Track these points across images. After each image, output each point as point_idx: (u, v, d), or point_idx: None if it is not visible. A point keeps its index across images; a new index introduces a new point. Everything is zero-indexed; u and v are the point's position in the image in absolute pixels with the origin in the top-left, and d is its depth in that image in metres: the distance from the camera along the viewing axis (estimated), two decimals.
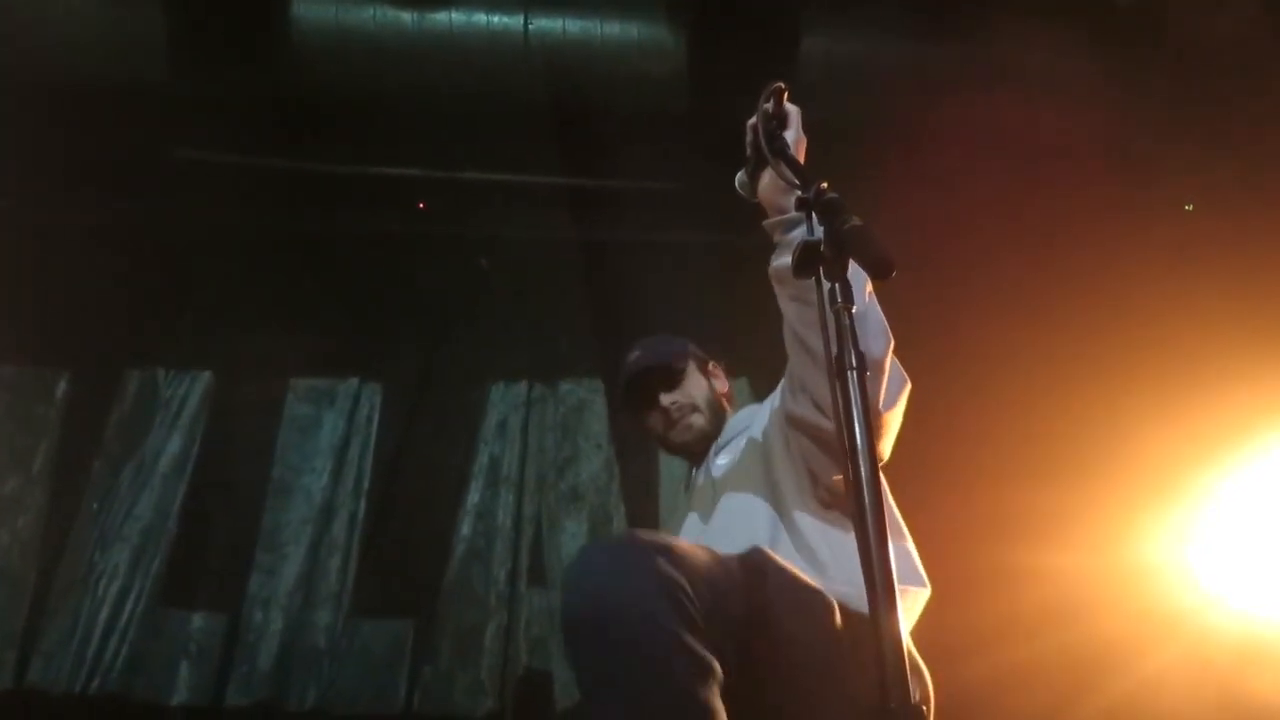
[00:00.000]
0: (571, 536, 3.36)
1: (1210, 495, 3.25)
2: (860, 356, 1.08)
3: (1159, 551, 3.25)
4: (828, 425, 1.56)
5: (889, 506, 1.71)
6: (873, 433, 1.05)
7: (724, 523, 1.75)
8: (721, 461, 1.91)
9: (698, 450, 2.03)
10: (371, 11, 2.99)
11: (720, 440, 2.00)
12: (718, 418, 2.04)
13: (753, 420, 1.92)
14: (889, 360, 1.53)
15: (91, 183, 3.32)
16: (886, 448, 1.61)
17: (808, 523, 1.65)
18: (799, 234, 1.49)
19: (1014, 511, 3.03)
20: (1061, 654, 2.98)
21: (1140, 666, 3.08)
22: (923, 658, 1.59)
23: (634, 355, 2.09)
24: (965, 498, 2.95)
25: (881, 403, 1.53)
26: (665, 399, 2.01)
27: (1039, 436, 3.19)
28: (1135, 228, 3.40)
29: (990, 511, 3.03)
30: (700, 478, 1.99)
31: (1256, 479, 3.22)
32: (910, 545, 1.70)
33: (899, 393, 1.57)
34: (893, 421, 1.58)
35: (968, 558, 2.95)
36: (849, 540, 1.60)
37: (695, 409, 2.02)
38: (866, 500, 1.00)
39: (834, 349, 1.11)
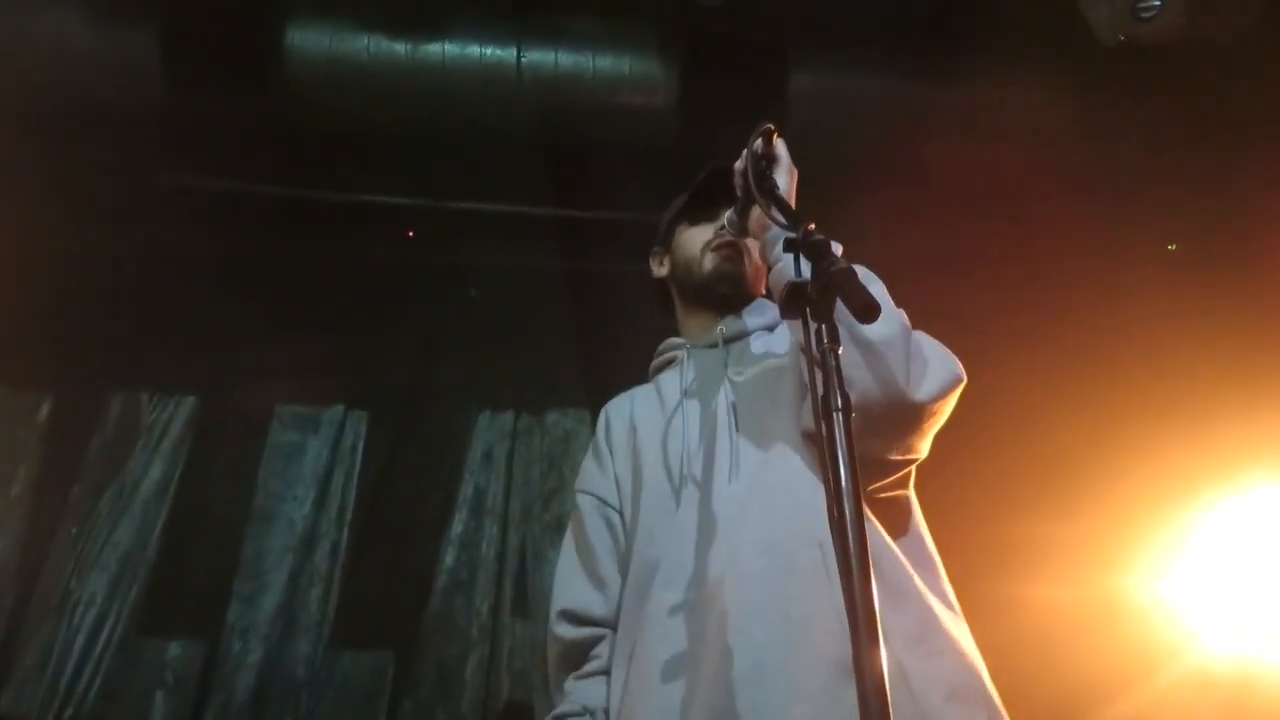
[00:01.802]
0: (555, 568, 3.33)
1: (1194, 531, 3.26)
2: (846, 398, 1.07)
3: (1144, 586, 3.26)
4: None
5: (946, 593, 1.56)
6: (858, 475, 1.04)
7: (763, 495, 1.50)
8: (753, 357, 1.69)
9: (723, 295, 1.78)
10: (365, 41, 3.01)
11: (733, 325, 1.78)
12: (750, 292, 1.80)
13: (785, 338, 1.67)
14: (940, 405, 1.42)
15: (79, 206, 3.31)
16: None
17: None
18: (783, 254, 1.46)
19: (999, 544, 3.03)
20: (1048, 688, 2.97)
21: (1125, 701, 3.08)
22: None
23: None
24: (951, 530, 2.94)
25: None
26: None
27: (1023, 470, 3.20)
28: (1119, 267, 3.43)
29: (976, 544, 3.01)
30: (709, 356, 1.76)
31: (1240, 516, 3.24)
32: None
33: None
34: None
35: (956, 590, 2.95)
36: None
37: (748, 255, 1.77)
38: (852, 543, 1.00)
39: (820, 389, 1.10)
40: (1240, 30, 2.98)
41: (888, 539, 1.47)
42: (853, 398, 1.21)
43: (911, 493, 1.63)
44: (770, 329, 1.75)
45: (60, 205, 3.31)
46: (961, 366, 1.45)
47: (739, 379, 1.67)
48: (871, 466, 1.42)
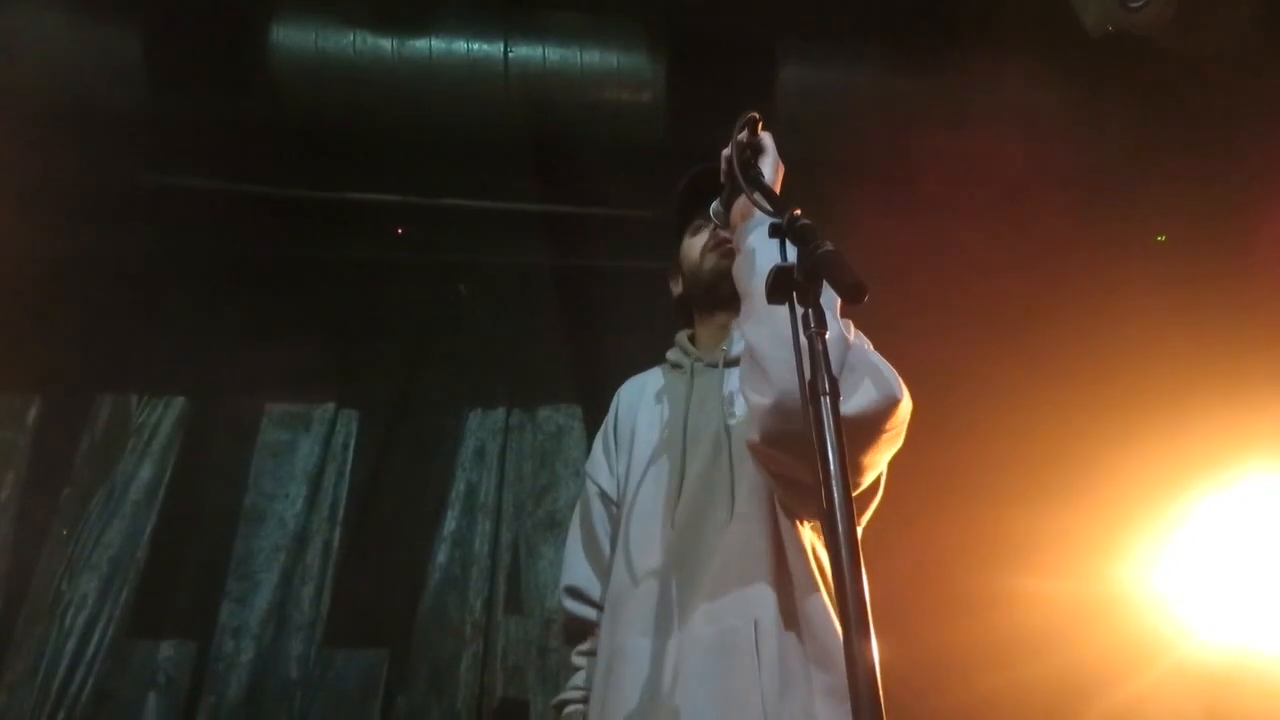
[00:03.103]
0: (549, 564, 3.33)
1: (1187, 522, 3.27)
2: (834, 382, 1.07)
3: (1138, 578, 3.26)
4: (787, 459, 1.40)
5: None
6: (848, 466, 1.03)
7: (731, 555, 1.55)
8: (742, 403, 1.63)
9: (728, 293, 1.69)
10: (351, 37, 3.00)
11: (735, 346, 1.74)
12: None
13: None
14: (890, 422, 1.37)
15: (65, 206, 3.29)
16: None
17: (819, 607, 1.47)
18: (758, 235, 1.47)
19: (990, 537, 3.04)
20: (1041, 680, 2.98)
21: (1120, 692, 3.09)
22: (905, 683, 1.55)
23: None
24: (943, 523, 2.96)
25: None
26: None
27: (1015, 463, 3.20)
28: (1108, 259, 3.43)
29: (967, 537, 3.04)
30: (711, 378, 1.75)
31: (1231, 507, 3.25)
32: None
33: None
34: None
35: (947, 583, 2.97)
36: None
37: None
38: (842, 530, 0.99)
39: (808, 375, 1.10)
40: (1234, 27, 2.99)
41: (825, 595, 1.49)
42: (771, 400, 1.31)
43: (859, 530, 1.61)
44: None
45: (46, 205, 3.29)
46: (901, 387, 1.38)
47: (732, 422, 1.66)
48: (806, 491, 1.37)
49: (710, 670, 1.46)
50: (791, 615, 1.47)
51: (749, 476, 1.56)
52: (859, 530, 1.58)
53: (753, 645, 1.44)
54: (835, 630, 1.45)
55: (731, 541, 1.55)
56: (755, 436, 1.40)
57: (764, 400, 1.36)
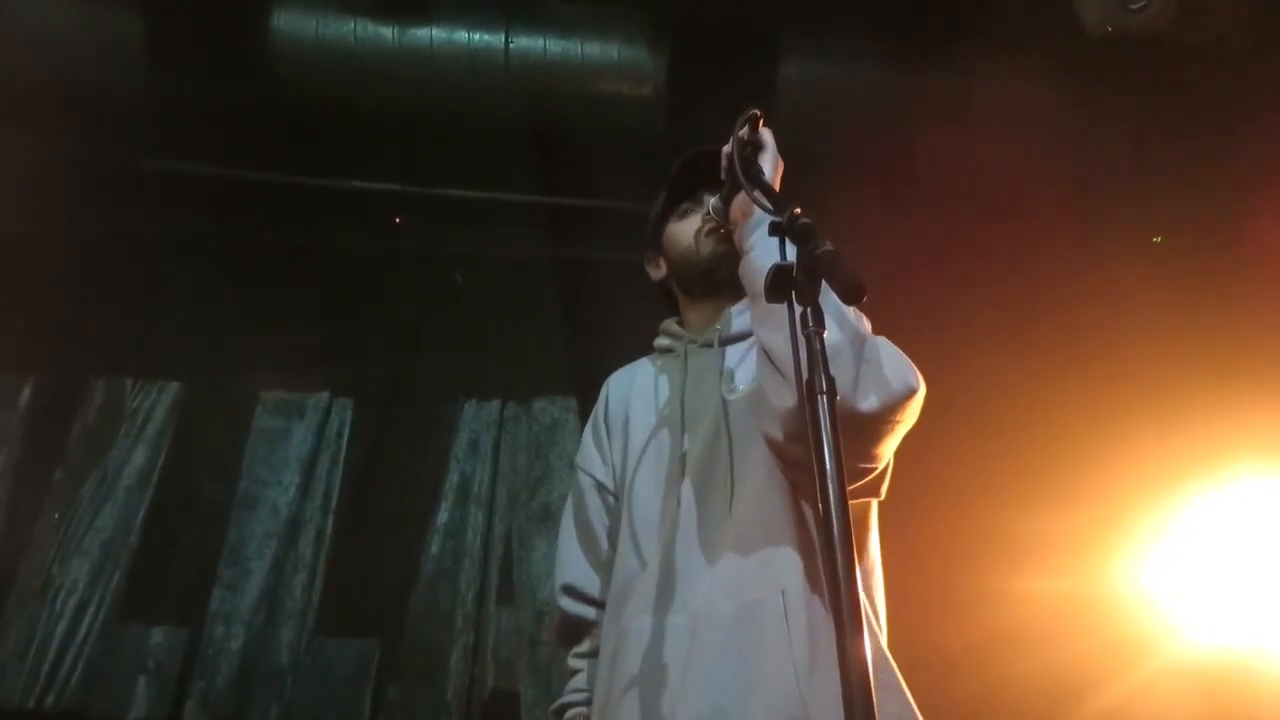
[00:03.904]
0: (542, 556, 3.33)
1: (1180, 522, 3.28)
2: (831, 381, 1.07)
3: (1131, 577, 3.27)
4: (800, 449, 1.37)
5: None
6: (843, 460, 1.03)
7: (746, 529, 1.51)
8: (741, 378, 1.64)
9: (725, 279, 1.69)
10: (352, 25, 2.99)
11: (731, 324, 1.72)
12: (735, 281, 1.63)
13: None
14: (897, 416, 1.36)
15: (62, 189, 3.28)
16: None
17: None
18: (760, 235, 1.46)
19: (983, 536, 3.05)
20: (1033, 678, 2.99)
21: (1112, 691, 3.10)
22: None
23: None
24: (937, 522, 2.96)
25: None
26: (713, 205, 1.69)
27: (1011, 462, 3.20)
28: (1105, 259, 3.43)
29: (960, 536, 3.05)
30: (706, 357, 1.71)
31: (1223, 508, 3.26)
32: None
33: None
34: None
35: (940, 582, 2.97)
36: None
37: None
38: (836, 527, 0.99)
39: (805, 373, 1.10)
40: (1233, 27, 2.99)
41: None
42: (795, 402, 1.29)
43: (874, 507, 1.60)
44: None
45: (43, 188, 3.27)
46: (918, 377, 1.38)
47: (731, 397, 1.62)
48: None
49: (734, 644, 1.41)
50: (818, 582, 1.44)
51: (759, 451, 1.51)
52: (879, 500, 1.58)
53: (781, 616, 1.40)
54: (861, 600, 1.44)
55: (746, 515, 1.51)
56: (779, 434, 1.40)
57: (787, 405, 1.36)
